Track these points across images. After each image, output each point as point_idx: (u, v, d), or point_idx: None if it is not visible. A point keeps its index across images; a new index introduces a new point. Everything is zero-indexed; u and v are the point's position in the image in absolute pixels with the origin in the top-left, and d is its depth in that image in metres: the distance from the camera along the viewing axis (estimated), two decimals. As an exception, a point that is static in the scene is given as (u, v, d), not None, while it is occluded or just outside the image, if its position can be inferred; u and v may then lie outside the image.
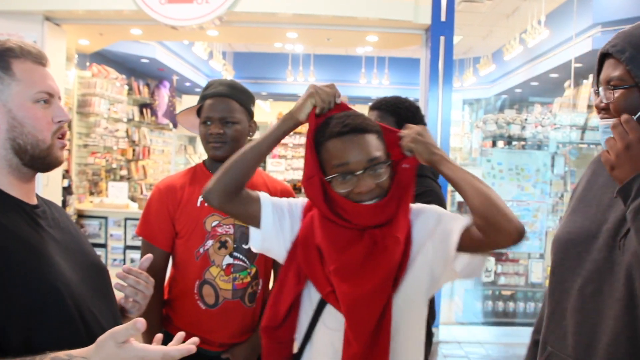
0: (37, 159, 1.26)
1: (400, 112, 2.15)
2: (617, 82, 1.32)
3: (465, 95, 14.21)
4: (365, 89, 15.14)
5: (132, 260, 6.23)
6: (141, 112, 9.27)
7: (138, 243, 6.19)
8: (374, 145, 1.46)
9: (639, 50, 1.29)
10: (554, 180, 6.23)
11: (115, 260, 6.19)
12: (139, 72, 11.52)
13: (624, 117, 1.25)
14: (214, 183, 1.54)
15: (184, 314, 2.06)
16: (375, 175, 1.45)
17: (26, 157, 1.24)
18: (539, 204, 5.81)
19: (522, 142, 6.36)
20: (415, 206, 1.57)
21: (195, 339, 1.14)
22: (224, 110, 2.06)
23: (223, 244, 2.03)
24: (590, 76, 7.96)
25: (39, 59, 1.29)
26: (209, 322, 2.00)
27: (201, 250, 2.02)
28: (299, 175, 15.96)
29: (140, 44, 10.00)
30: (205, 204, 1.96)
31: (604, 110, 1.36)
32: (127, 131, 8.51)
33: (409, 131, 1.50)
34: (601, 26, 7.89)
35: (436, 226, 1.50)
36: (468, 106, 13.91)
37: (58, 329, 1.14)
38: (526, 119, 6.41)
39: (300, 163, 16.28)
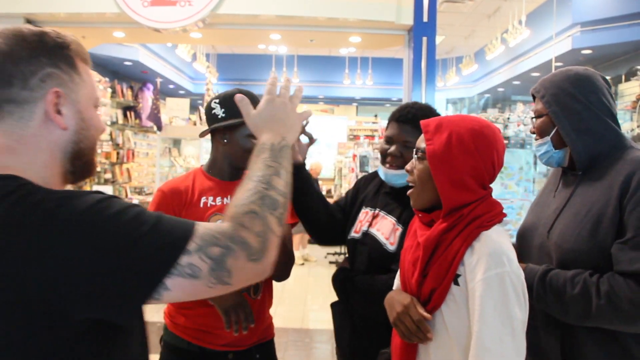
0: (87, 166, 1.18)
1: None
2: (538, 114, 1.86)
3: (449, 95, 14.31)
4: (348, 90, 15.17)
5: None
6: (125, 115, 9.24)
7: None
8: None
9: (548, 91, 1.81)
10: (537, 178, 6.29)
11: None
12: (122, 75, 11.48)
13: None
14: None
15: (192, 313, 2.10)
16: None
17: (79, 163, 1.15)
18: (523, 201, 5.86)
19: (505, 141, 6.42)
20: (487, 238, 1.46)
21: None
22: None
23: None
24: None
25: (88, 59, 1.19)
26: (217, 317, 2.01)
27: None
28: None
29: (123, 46, 9.96)
30: (208, 205, 2.09)
31: (534, 134, 1.89)
32: (111, 134, 8.48)
33: None
34: (580, 26, 7.98)
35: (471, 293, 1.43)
36: (452, 105, 14.01)
37: None
38: (508, 118, 6.47)
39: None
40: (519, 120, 6.46)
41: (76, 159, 1.14)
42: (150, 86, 9.84)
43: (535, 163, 6.26)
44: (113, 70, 11.27)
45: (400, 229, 1.98)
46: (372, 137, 13.34)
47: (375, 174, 2.24)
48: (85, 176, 1.20)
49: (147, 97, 9.62)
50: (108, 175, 8.43)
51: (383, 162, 2.08)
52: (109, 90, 8.35)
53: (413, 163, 1.59)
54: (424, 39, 5.39)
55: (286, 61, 14.25)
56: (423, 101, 5.39)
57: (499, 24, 9.97)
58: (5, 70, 1.04)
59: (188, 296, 1.02)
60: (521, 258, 1.80)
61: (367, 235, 2.04)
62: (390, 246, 1.97)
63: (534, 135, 1.91)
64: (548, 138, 1.81)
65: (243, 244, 1.05)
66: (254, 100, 2.10)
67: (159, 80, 10.13)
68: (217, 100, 2.16)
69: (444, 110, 12.86)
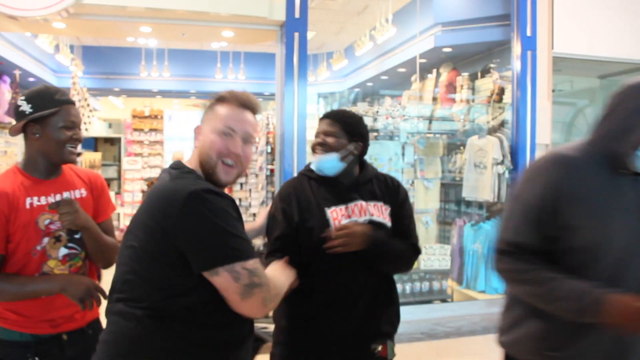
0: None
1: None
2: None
3: (320, 89, 14.58)
4: (221, 84, 15.02)
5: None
6: (-21, 110, 8.58)
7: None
8: None
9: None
10: (405, 169, 6.63)
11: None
12: (-27, 67, 10.60)
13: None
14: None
15: (24, 304, 2.15)
16: None
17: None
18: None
19: (375, 133, 6.69)
20: None
21: None
22: (79, 116, 2.26)
23: (57, 239, 2.19)
24: (434, 70, 8.53)
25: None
26: (48, 305, 2.17)
27: (38, 247, 2.15)
28: (155, 172, 15.52)
29: (-27, 35, 9.21)
30: (35, 205, 2.14)
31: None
32: (-37, 131, 7.86)
33: None
34: (441, 25, 8.43)
35: None
36: (323, 99, 14.30)
37: None
38: (377, 111, 6.74)
39: (157, 160, 15.83)
40: (387, 114, 6.74)
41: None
42: (7, 79, 9.20)
43: (403, 154, 6.58)
44: (-38, 61, 10.38)
45: (389, 208, 2.41)
46: (246, 131, 13.30)
47: (297, 182, 2.47)
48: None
49: (4, 91, 8.99)
50: (-38, 175, 7.79)
51: (316, 151, 2.47)
52: (-40, 83, 7.72)
53: None
54: (296, 34, 5.50)
55: (156, 55, 13.87)
56: (295, 96, 5.51)
57: (367, 22, 10.32)
58: None
59: (223, 290, 1.61)
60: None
61: (372, 222, 2.33)
62: (389, 222, 2.38)
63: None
64: None
65: (267, 291, 1.67)
66: (58, 93, 2.22)
67: (17, 72, 9.50)
68: (22, 98, 2.21)
69: (316, 104, 13.11)
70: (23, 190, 2.15)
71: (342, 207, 2.35)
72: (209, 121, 1.84)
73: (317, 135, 2.46)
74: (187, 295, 1.62)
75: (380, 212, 2.39)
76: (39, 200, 2.17)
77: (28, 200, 2.14)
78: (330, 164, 2.38)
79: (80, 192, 2.31)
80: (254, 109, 1.89)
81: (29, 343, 2.13)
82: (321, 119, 2.48)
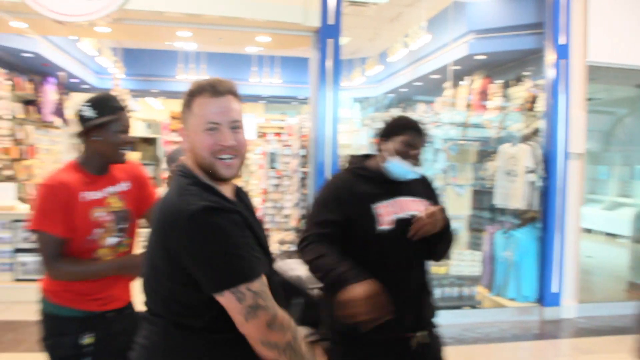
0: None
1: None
2: None
3: (355, 94, 14.66)
4: (256, 87, 15.22)
5: (23, 264, 5.97)
6: (26, 109, 8.89)
7: (29, 246, 5.92)
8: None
9: None
10: (437, 175, 6.66)
11: (3, 264, 5.92)
12: (21, 67, 10.97)
13: None
14: None
15: (79, 284, 2.38)
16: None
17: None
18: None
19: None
20: None
21: None
22: (129, 121, 2.49)
23: (106, 230, 2.43)
24: (467, 78, 8.54)
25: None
26: (99, 286, 2.41)
27: (90, 237, 2.38)
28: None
29: (21, 36, 9.51)
30: (87, 199, 2.37)
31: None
32: (11, 129, 8.15)
33: None
34: (475, 33, 8.44)
35: None
36: (358, 104, 14.36)
37: None
38: (409, 118, 6.79)
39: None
40: (419, 120, 6.79)
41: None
42: (52, 80, 9.50)
43: (435, 160, 6.62)
44: (10, 61, 10.74)
45: (430, 204, 2.49)
46: (280, 134, 13.45)
47: (345, 178, 2.56)
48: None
49: (50, 91, 9.30)
50: (9, 172, 8.09)
51: (405, 159, 2.50)
52: (8, 82, 8.01)
53: None
54: (330, 40, 5.59)
55: (194, 57, 14.12)
56: (330, 100, 5.61)
57: (401, 28, 10.36)
58: None
59: (228, 310, 1.56)
60: None
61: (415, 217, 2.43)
62: None
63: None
64: None
65: (273, 316, 1.58)
66: (114, 100, 2.46)
67: (64, 74, 9.80)
68: (88, 104, 2.43)
69: (350, 108, 13.19)
70: (80, 185, 2.37)
71: (386, 202, 2.44)
72: (190, 120, 1.71)
73: (412, 146, 2.51)
74: (208, 309, 1.61)
75: (420, 208, 2.46)
76: (90, 195, 2.39)
77: (82, 194, 2.36)
78: (414, 175, 2.52)
79: (124, 185, 2.55)
80: (229, 92, 1.73)
81: (82, 318, 2.37)
82: (411, 129, 2.55)
